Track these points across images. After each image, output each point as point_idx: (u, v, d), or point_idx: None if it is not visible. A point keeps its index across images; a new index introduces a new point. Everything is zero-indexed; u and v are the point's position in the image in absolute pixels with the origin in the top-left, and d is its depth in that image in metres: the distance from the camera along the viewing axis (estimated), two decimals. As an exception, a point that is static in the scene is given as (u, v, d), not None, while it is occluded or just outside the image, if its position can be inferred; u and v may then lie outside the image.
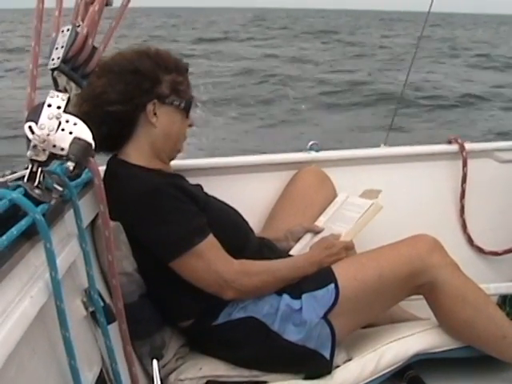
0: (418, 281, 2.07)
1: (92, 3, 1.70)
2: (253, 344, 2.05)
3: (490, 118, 12.72)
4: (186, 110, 2.18)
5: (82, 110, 2.00)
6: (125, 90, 2.06)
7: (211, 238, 2.00)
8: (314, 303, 2.04)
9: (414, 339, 2.15)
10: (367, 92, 15.15)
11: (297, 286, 2.08)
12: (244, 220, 2.29)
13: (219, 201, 2.27)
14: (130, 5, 1.79)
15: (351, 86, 16.13)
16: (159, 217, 1.98)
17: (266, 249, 2.24)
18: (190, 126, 2.25)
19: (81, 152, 1.41)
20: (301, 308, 2.04)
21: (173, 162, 2.28)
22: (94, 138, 1.46)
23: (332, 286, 2.05)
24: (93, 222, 1.91)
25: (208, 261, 1.98)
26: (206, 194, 2.25)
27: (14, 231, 1.20)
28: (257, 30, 43.66)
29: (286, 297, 2.06)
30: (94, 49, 1.66)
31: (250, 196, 2.64)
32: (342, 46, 29.90)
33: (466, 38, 36.76)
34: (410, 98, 12.72)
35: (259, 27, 48.79)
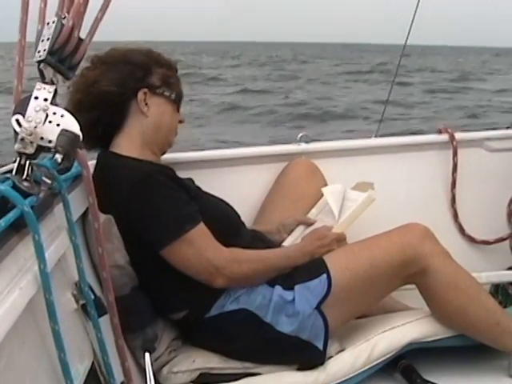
0: (409, 269, 2.07)
1: (77, -5, 1.69)
2: (246, 336, 2.05)
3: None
4: (176, 103, 2.22)
5: (75, 98, 2.08)
6: (117, 78, 2.12)
7: (202, 226, 2.00)
8: (306, 294, 2.04)
9: (406, 329, 2.15)
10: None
11: (289, 277, 2.08)
12: (236, 213, 2.29)
13: (210, 195, 2.26)
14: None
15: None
16: (150, 204, 1.99)
17: (258, 241, 2.24)
18: (181, 121, 2.27)
19: (68, 143, 1.40)
20: (293, 299, 2.03)
21: (163, 156, 2.28)
22: (81, 130, 1.46)
23: (324, 276, 2.05)
24: (84, 215, 1.90)
25: (199, 248, 1.98)
26: (197, 186, 2.25)
27: (2, 223, 1.19)
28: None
29: (278, 288, 2.05)
30: (80, 40, 1.65)
31: (240, 189, 2.63)
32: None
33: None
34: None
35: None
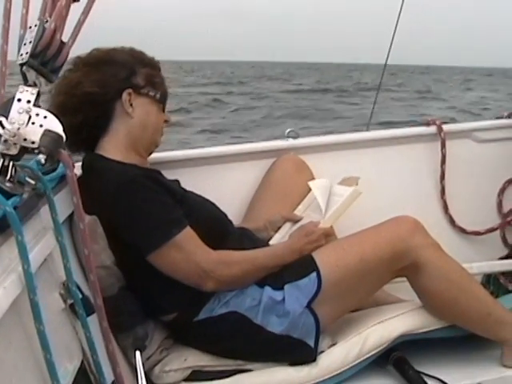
0: (400, 262, 2.07)
1: (59, -1, 1.70)
2: (236, 338, 2.05)
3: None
4: (161, 102, 2.20)
5: (58, 100, 2.06)
6: (100, 79, 2.11)
7: (189, 230, 2.00)
8: (296, 293, 2.04)
9: (398, 321, 2.15)
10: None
11: (278, 277, 2.07)
12: (222, 212, 2.29)
13: (196, 195, 2.26)
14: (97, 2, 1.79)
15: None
16: (136, 209, 1.98)
17: (245, 239, 2.24)
18: (166, 121, 2.26)
19: (51, 144, 1.41)
20: (283, 299, 2.03)
21: (149, 156, 2.28)
22: (65, 132, 1.47)
23: (314, 274, 2.04)
24: (71, 217, 1.90)
25: (186, 252, 1.97)
26: (183, 188, 2.24)
27: None
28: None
29: (267, 289, 2.05)
30: (63, 43, 1.65)
31: (228, 186, 2.64)
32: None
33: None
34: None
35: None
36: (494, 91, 32.50)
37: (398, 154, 2.91)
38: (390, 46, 3.38)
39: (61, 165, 1.70)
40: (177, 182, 2.26)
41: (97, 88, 2.08)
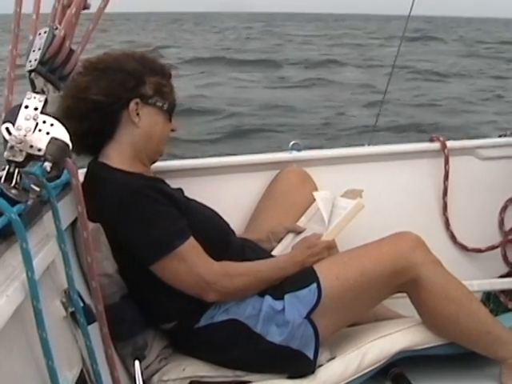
0: (400, 278, 2.07)
1: (69, 6, 1.71)
2: (236, 346, 2.05)
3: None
4: (168, 113, 2.20)
5: (65, 104, 2.04)
6: (108, 86, 2.09)
7: (192, 241, 2.00)
8: (296, 303, 2.04)
9: (397, 337, 2.15)
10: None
11: (279, 287, 2.07)
12: (225, 222, 2.29)
13: (200, 204, 2.26)
14: (108, 9, 1.80)
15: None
16: (139, 220, 1.98)
17: (248, 250, 2.24)
18: (173, 130, 2.26)
19: (58, 152, 1.42)
20: (283, 308, 2.03)
21: (154, 164, 2.28)
22: (71, 139, 1.47)
23: (314, 285, 2.05)
24: (74, 224, 1.91)
25: (189, 263, 1.97)
26: (186, 197, 2.24)
27: None
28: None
29: (268, 298, 2.05)
30: (72, 51, 1.66)
31: (232, 197, 2.64)
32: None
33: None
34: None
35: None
36: None
37: (401, 169, 2.91)
38: None
39: (65, 172, 1.71)
40: (180, 190, 2.26)
41: (104, 97, 2.08)
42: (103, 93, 2.08)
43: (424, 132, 9.68)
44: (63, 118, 1.49)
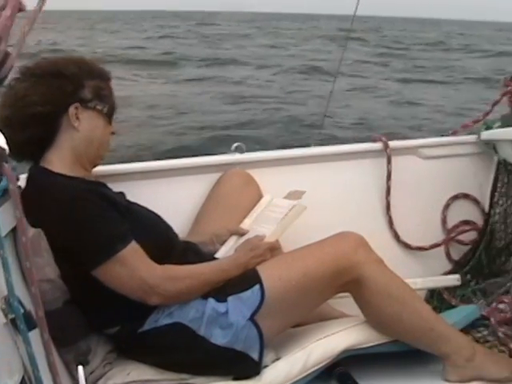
0: (343, 278, 2.08)
1: (4, 9, 1.68)
2: (180, 349, 2.04)
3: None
4: (108, 116, 2.19)
5: (4, 113, 2.02)
6: (47, 93, 2.06)
7: (134, 245, 1.98)
8: (239, 305, 2.04)
9: (341, 336, 2.16)
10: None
11: (222, 289, 2.07)
12: (167, 225, 2.28)
13: (142, 207, 2.25)
14: (45, 8, 1.77)
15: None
16: (80, 225, 1.95)
17: (190, 253, 2.23)
18: (113, 133, 2.24)
19: None
20: (227, 311, 2.03)
21: (95, 169, 2.26)
22: (9, 146, 1.44)
23: (257, 287, 2.05)
24: (15, 229, 1.87)
25: (131, 267, 1.96)
26: (128, 201, 2.23)
27: None
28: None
29: (211, 300, 2.04)
30: (7, 54, 1.63)
31: (174, 200, 2.62)
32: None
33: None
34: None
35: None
36: None
37: (344, 169, 2.93)
38: None
39: (4, 178, 1.67)
40: (122, 194, 2.25)
41: (43, 103, 2.04)
42: (42, 99, 2.05)
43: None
44: (3, 128, 1.46)
